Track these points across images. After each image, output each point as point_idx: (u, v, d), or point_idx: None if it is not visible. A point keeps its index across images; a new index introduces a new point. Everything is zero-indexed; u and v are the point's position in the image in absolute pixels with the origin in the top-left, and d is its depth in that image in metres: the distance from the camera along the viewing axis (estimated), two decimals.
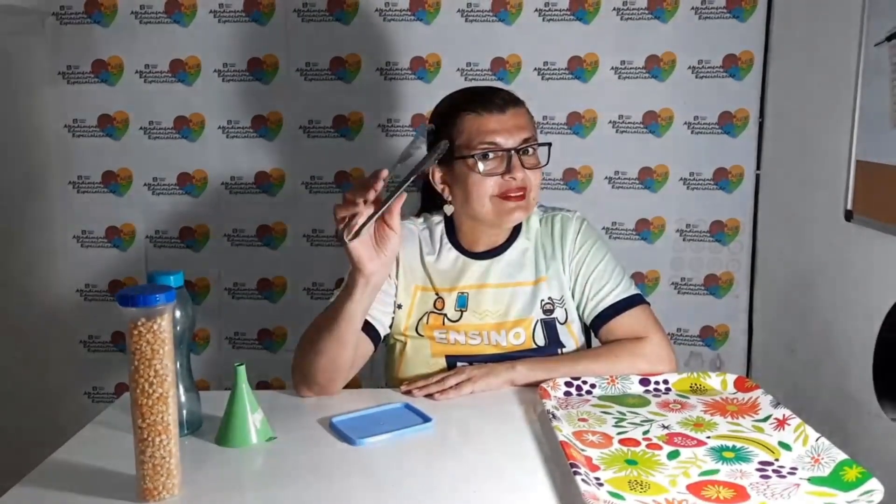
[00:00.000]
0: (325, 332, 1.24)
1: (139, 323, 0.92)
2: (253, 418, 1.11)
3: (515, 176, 1.30)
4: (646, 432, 1.10)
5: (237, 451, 1.09)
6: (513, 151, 1.30)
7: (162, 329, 0.93)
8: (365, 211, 1.12)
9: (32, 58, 1.95)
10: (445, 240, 1.41)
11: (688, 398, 1.23)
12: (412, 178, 1.13)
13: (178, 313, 1.10)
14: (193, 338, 1.99)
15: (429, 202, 1.46)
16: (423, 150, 1.17)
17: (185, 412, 1.14)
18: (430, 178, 1.37)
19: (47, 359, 2.06)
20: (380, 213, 1.12)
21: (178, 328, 1.10)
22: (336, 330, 1.23)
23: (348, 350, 1.26)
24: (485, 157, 1.30)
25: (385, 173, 1.12)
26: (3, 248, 2.03)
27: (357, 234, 1.13)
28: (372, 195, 1.12)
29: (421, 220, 1.45)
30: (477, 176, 1.30)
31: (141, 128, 1.97)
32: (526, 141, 1.31)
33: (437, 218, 1.43)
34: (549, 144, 1.35)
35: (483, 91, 1.37)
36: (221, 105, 1.96)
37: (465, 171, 1.31)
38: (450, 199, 1.37)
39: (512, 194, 1.31)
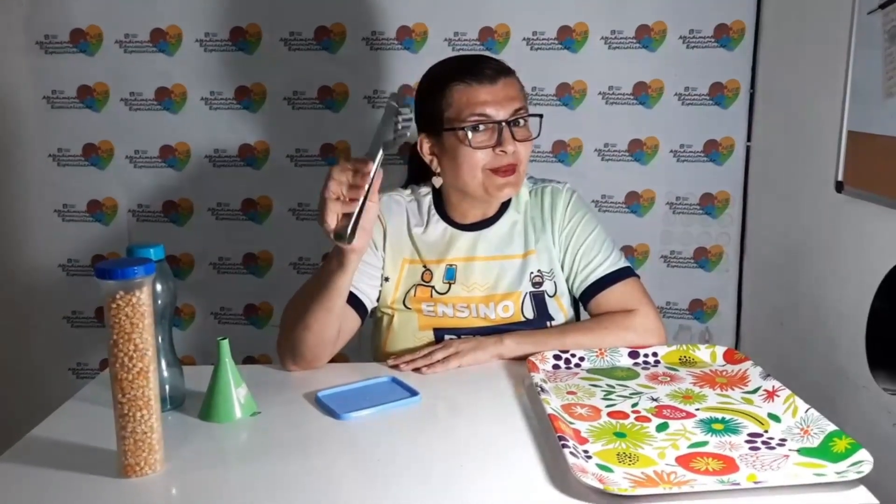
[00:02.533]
0: (313, 307, 1.22)
1: (117, 296, 0.90)
2: (237, 393, 1.09)
3: (507, 149, 1.27)
4: (634, 405, 1.09)
5: (221, 427, 1.08)
6: (504, 123, 1.27)
7: (141, 302, 0.91)
8: (355, 207, 1.09)
9: (8, 27, 1.90)
10: (433, 211, 1.39)
11: (677, 370, 1.22)
12: (384, 155, 1.10)
13: (158, 287, 1.07)
14: (178, 313, 1.99)
15: (416, 174, 1.44)
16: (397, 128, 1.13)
17: (167, 387, 1.12)
18: (419, 148, 1.34)
19: (30, 335, 2.03)
20: (365, 202, 1.09)
21: (160, 302, 1.08)
22: (326, 303, 1.21)
23: (336, 323, 1.24)
24: (475, 129, 1.27)
25: (371, 167, 1.08)
26: None
27: (355, 231, 1.10)
28: (361, 194, 1.08)
29: (408, 191, 1.42)
30: (467, 149, 1.28)
31: (121, 99, 1.93)
32: (517, 112, 1.29)
33: (425, 189, 1.41)
34: (541, 116, 1.33)
35: (473, 60, 1.35)
36: (204, 76, 1.92)
37: (454, 144, 1.29)
38: (438, 170, 1.34)
39: (503, 168, 1.28)
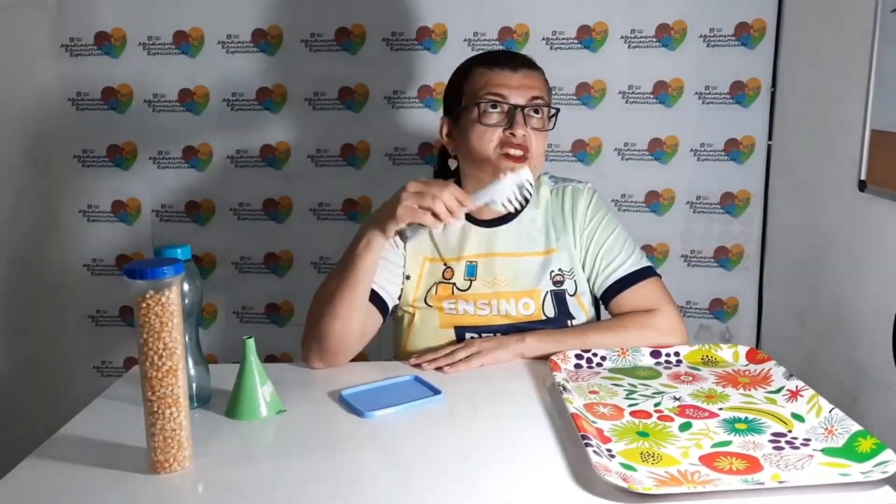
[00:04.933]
0: (340, 293, 1.25)
1: (147, 296, 0.91)
2: (262, 391, 1.11)
3: (516, 132, 1.28)
4: (657, 404, 1.09)
5: (247, 424, 1.09)
6: (518, 108, 1.28)
7: (170, 302, 0.92)
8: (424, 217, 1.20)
9: (35, 31, 1.93)
10: None
11: (699, 370, 1.22)
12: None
13: (186, 286, 1.09)
14: (201, 312, 2.01)
15: (440, 173, 1.45)
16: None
17: (194, 385, 1.14)
18: (439, 132, 1.38)
19: (56, 333, 2.06)
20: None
21: (187, 301, 1.09)
22: (353, 287, 1.25)
23: (362, 310, 1.27)
24: (490, 108, 1.29)
25: (472, 206, 1.22)
26: (9, 222, 2.02)
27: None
28: (457, 214, 1.20)
29: None
30: (480, 127, 1.29)
31: (145, 101, 1.96)
32: (533, 100, 1.30)
33: None
34: (557, 110, 1.33)
35: (502, 51, 1.37)
36: (225, 77, 1.94)
37: (468, 122, 1.31)
38: (454, 153, 1.37)
39: (512, 151, 1.28)
